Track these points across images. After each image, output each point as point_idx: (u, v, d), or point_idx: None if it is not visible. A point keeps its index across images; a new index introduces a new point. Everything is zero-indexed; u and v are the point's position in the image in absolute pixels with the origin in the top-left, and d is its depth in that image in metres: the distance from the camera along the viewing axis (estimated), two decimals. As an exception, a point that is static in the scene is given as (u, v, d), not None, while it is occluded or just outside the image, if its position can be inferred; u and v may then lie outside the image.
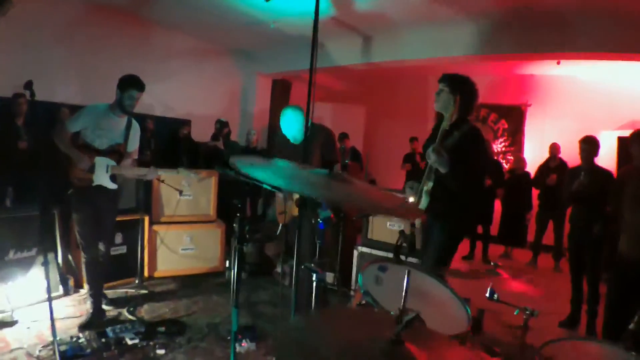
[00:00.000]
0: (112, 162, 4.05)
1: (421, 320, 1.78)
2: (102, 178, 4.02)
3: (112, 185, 4.12)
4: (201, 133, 8.62)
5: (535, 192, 8.11)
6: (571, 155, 6.16)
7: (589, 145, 5.08)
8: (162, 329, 3.99)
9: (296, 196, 3.80)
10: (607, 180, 4.94)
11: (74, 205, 4.07)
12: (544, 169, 7.98)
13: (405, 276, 1.51)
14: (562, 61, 8.12)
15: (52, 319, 2.77)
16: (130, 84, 3.98)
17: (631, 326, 4.33)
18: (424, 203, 3.37)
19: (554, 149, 8.02)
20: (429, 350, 1.23)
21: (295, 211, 3.95)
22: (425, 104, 11.32)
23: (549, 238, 7.97)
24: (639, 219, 3.87)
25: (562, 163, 7.77)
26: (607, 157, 6.34)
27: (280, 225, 4.62)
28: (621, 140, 8.22)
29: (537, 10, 6.25)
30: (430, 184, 3.34)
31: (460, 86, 3.42)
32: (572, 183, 5.14)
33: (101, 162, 3.99)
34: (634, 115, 8.20)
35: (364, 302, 2.37)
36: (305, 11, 6.14)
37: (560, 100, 9.78)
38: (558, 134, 8.59)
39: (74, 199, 4.05)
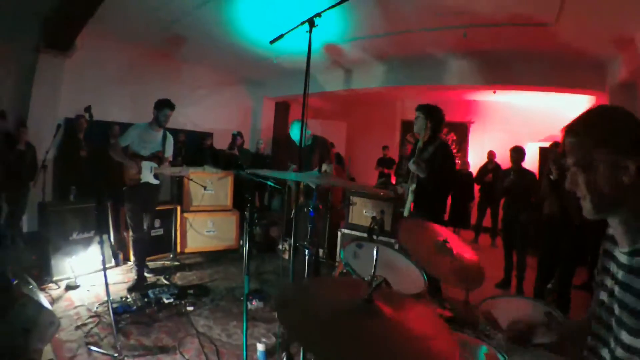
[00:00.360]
0: (155, 165, 4.14)
1: (388, 284, 1.83)
2: (147, 177, 4.13)
3: (156, 182, 4.23)
4: (221, 143, 8.60)
5: (476, 187, 8.16)
6: (504, 160, 6.22)
7: (517, 153, 5.18)
8: (191, 291, 4.03)
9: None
10: (531, 179, 5.03)
11: (127, 198, 4.15)
12: (483, 170, 8.03)
13: (375, 251, 1.53)
14: (497, 91, 8.24)
15: (107, 284, 2.78)
16: (164, 104, 4.11)
17: (549, 286, 4.44)
18: (410, 199, 3.59)
19: (491, 155, 8.09)
20: (394, 306, 1.26)
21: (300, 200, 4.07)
22: (393, 120, 11.39)
23: (487, 222, 8.04)
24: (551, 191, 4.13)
25: (497, 166, 7.84)
26: (531, 163, 6.40)
27: (293, 210, 4.65)
28: (542, 150, 8.35)
29: (476, 51, 6.36)
30: (414, 186, 3.54)
31: (430, 113, 3.59)
32: (505, 180, 5.24)
33: (146, 165, 4.10)
34: (552, 131, 8.27)
35: (345, 271, 2.41)
36: (301, 50, 6.15)
37: (496, 119, 9.85)
38: (494, 144, 8.64)
39: (127, 194, 4.13)
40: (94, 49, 6.45)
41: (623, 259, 1.14)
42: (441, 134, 3.73)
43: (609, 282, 1.21)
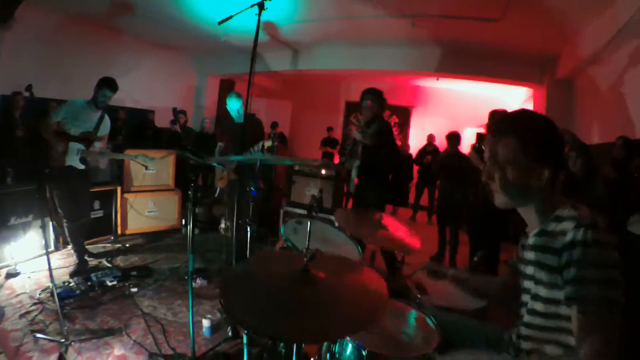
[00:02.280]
0: (82, 147, 3.89)
1: (324, 256, 2.00)
2: (73, 160, 3.88)
3: (81, 166, 3.96)
4: (163, 121, 8.37)
5: (415, 168, 8.58)
6: (443, 143, 6.61)
7: (452, 138, 5.57)
8: (134, 273, 4.01)
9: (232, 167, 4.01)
10: (465, 162, 5.41)
11: (52, 182, 3.91)
12: (422, 152, 8.46)
13: (309, 224, 1.66)
14: (440, 78, 8.61)
15: (50, 269, 2.72)
16: (105, 84, 3.89)
17: (475, 259, 4.86)
18: (354, 175, 4.01)
19: (431, 138, 8.54)
20: (328, 273, 1.40)
21: (231, 177, 4.13)
22: (337, 101, 11.60)
23: (424, 201, 8.51)
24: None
25: (436, 148, 8.29)
26: (469, 147, 6.87)
27: (219, 189, 4.57)
28: (479, 135, 8.89)
29: (423, 40, 6.65)
30: (357, 162, 3.95)
31: (377, 97, 4.02)
32: (440, 162, 5.64)
33: (74, 148, 3.85)
34: (490, 117, 8.87)
35: (285, 246, 2.57)
36: (249, 29, 6.11)
37: (437, 104, 10.35)
38: (434, 128, 9.09)
39: (51, 177, 3.87)
40: (33, 21, 6.08)
41: (531, 241, 1.33)
42: (383, 113, 4.10)
43: (523, 268, 1.40)
